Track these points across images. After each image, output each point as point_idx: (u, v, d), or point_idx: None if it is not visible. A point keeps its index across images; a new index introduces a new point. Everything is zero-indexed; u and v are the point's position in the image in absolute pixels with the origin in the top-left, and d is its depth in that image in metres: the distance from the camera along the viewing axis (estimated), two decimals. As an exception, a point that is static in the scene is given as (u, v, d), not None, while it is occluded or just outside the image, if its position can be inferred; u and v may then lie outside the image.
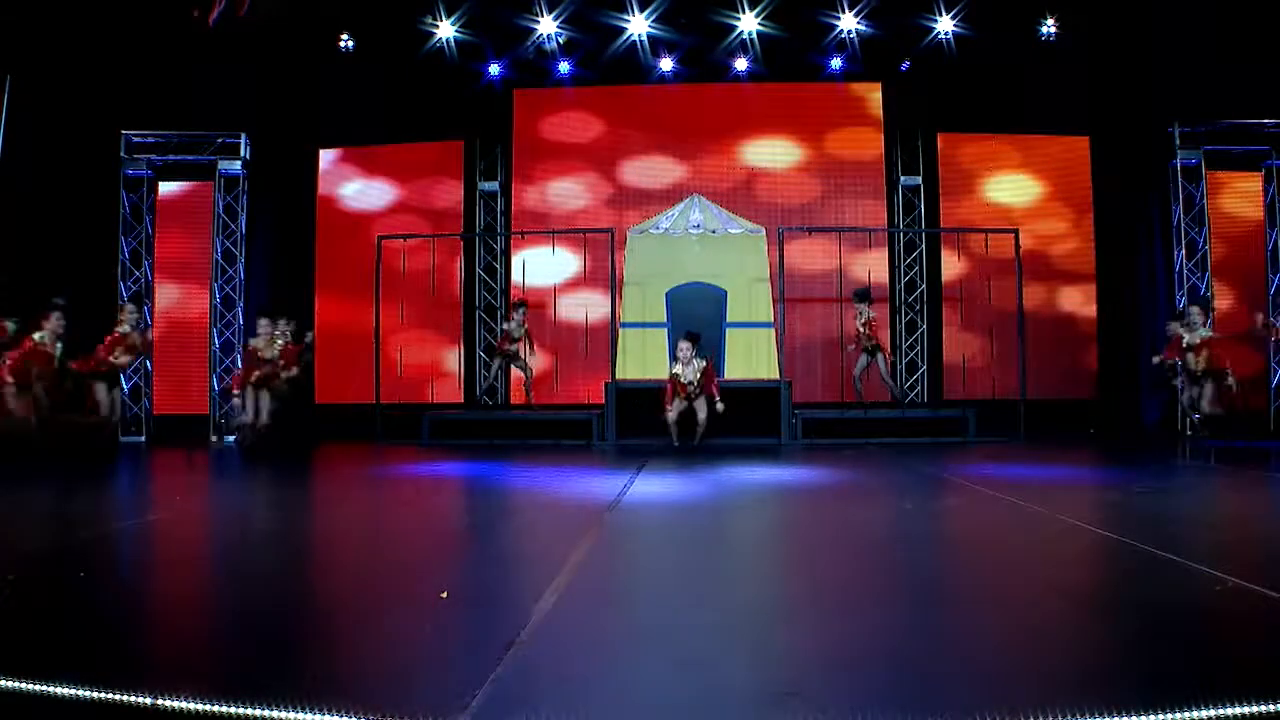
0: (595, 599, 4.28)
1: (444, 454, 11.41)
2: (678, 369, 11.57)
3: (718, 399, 11.44)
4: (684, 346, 11.52)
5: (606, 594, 4.43)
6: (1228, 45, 12.64)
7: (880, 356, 13.56)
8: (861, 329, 13.49)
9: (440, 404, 15.35)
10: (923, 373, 15.96)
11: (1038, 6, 14.34)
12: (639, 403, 12.58)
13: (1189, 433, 13.27)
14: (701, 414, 11.57)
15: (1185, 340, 12.43)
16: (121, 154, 14.51)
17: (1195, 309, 12.45)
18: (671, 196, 15.64)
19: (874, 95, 16.07)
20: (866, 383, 13.73)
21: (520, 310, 13.94)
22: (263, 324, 12.69)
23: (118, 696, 2.82)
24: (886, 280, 15.92)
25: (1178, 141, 14.12)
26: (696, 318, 13.32)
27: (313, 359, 14.29)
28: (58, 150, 13.30)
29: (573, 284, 15.60)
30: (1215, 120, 14.01)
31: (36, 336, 10.62)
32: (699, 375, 11.45)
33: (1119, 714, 2.61)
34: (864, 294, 13.70)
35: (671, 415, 11.60)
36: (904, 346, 15.99)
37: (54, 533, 6.15)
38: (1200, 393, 12.48)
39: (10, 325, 11.67)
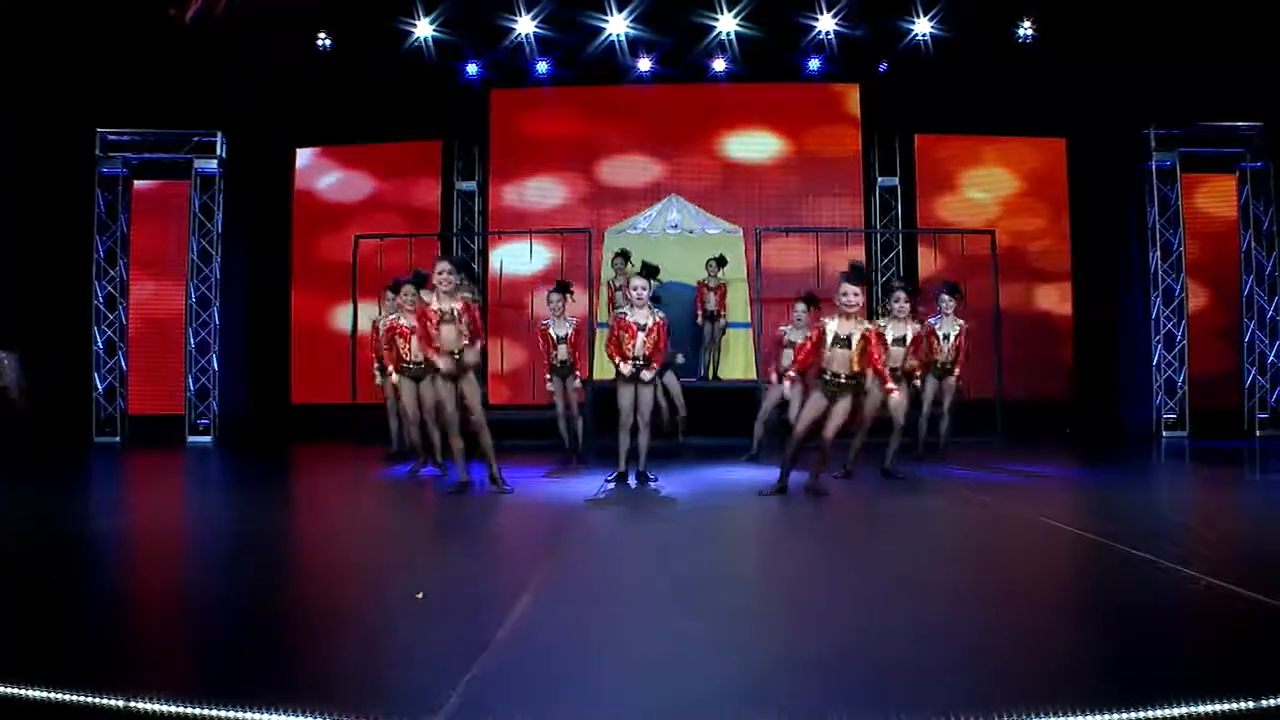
0: (569, 599, 4.28)
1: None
2: (626, 309, 8.61)
3: (677, 355, 9.64)
4: (639, 284, 8.47)
5: (581, 594, 4.43)
6: (1203, 48, 12.71)
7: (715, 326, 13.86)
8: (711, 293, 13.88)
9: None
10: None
11: (1015, 9, 14.39)
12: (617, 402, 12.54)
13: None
14: (645, 403, 8.49)
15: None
16: (96, 152, 14.36)
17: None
18: (650, 196, 15.62)
19: (852, 96, 16.07)
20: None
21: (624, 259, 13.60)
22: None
23: (93, 699, 2.80)
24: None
25: (1153, 144, 14.18)
26: (673, 318, 13.26)
27: None
28: (30, 148, 13.18)
29: (550, 283, 15.53)
30: (1190, 123, 14.09)
31: (380, 317, 9.23)
32: (651, 323, 8.39)
33: (1093, 711, 2.62)
34: (721, 260, 13.91)
35: (626, 416, 8.52)
36: (881, 347, 16.00)
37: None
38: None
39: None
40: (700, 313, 13.88)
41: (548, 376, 10.39)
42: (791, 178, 16.00)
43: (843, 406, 7.50)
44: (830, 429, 7.51)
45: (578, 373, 10.39)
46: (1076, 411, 15.07)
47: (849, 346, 7.40)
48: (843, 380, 7.45)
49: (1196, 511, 7.54)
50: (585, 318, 11.74)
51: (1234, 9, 12.48)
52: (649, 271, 8.65)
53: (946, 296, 10.70)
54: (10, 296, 13.00)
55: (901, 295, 9.12)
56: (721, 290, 13.77)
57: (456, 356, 7.72)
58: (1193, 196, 14.51)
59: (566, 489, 8.36)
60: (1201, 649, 3.46)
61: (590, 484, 8.48)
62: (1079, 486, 8.53)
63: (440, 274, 7.77)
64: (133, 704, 2.74)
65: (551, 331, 10.21)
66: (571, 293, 10.56)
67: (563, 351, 10.16)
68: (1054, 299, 15.70)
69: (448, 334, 7.76)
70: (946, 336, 10.52)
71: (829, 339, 7.47)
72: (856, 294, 7.43)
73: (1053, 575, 4.86)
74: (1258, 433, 14.05)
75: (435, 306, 7.78)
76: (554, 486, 8.59)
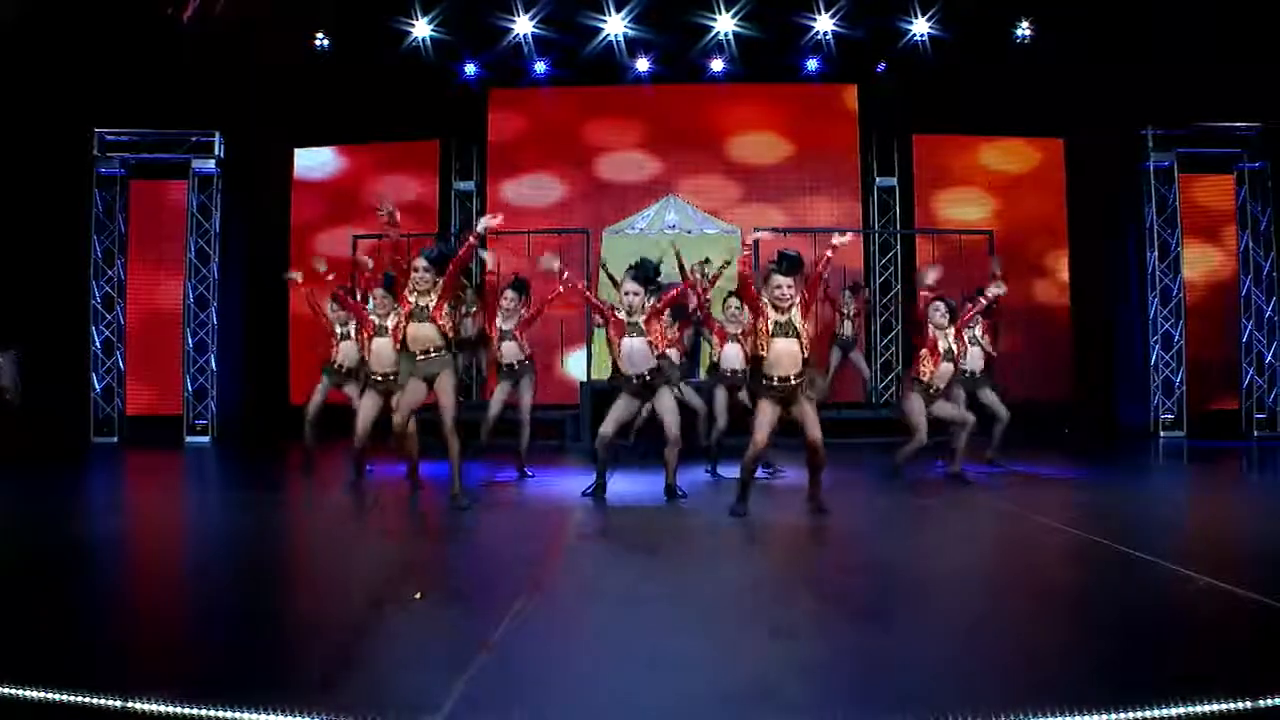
0: (567, 600, 4.28)
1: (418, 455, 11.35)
2: (622, 314, 7.55)
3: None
4: (631, 288, 7.52)
5: (578, 595, 4.43)
6: (1201, 49, 12.71)
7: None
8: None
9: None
10: (897, 373, 16.00)
11: (1013, 9, 14.39)
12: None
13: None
14: (670, 415, 7.60)
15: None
16: (94, 152, 14.35)
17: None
18: (648, 195, 15.63)
19: (850, 96, 16.10)
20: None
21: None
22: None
23: (91, 700, 2.80)
24: (861, 280, 15.96)
25: (1151, 144, 14.19)
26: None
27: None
28: (28, 147, 13.15)
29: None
30: (1188, 123, 14.09)
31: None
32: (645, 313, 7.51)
33: (1091, 711, 2.62)
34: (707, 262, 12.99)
35: (608, 429, 7.66)
36: (879, 347, 16.04)
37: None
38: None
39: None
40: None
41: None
42: (790, 177, 16.01)
43: (806, 410, 6.58)
44: (815, 433, 6.58)
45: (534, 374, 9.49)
46: (1074, 411, 15.07)
47: (793, 335, 6.46)
48: (792, 381, 6.48)
49: (1194, 511, 7.55)
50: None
51: (1232, 9, 12.47)
52: (646, 277, 7.60)
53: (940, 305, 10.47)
54: (7, 296, 12.98)
55: (940, 305, 8.48)
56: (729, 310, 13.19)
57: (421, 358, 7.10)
58: (1191, 198, 14.51)
59: (563, 488, 8.35)
60: (1199, 649, 3.46)
61: (585, 482, 8.45)
62: (1076, 486, 8.52)
63: (418, 270, 7.13)
64: (130, 704, 2.74)
65: (499, 326, 9.30)
66: (528, 294, 9.61)
67: (509, 350, 9.30)
68: (1052, 299, 15.71)
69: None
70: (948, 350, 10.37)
71: (770, 327, 6.46)
72: (790, 285, 6.50)
73: (1050, 575, 4.86)
74: (1255, 433, 14.05)
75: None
76: (549, 488, 8.57)
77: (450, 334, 7.21)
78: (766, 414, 6.54)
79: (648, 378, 7.45)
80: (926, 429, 8.36)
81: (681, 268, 9.26)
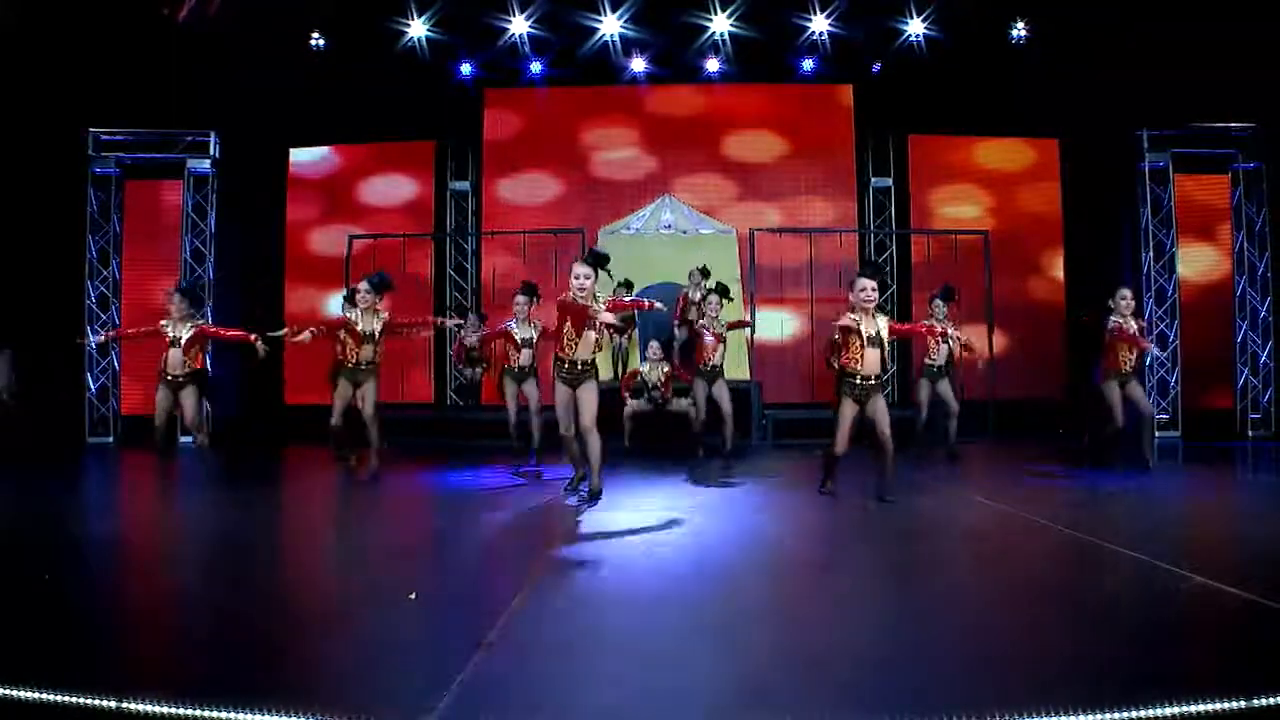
0: (564, 600, 4.27)
1: (412, 456, 11.35)
2: (569, 295, 7.39)
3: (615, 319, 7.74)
4: (581, 271, 7.35)
5: (575, 595, 4.42)
6: (1196, 49, 12.71)
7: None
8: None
9: (410, 403, 15.27)
10: (892, 373, 16.01)
11: (1008, 10, 14.41)
12: (609, 404, 12.44)
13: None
14: (587, 409, 7.50)
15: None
16: (89, 152, 14.32)
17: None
18: (643, 196, 15.65)
19: (845, 97, 16.12)
20: None
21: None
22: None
23: (86, 700, 2.80)
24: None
25: (1146, 144, 14.20)
26: (659, 322, 13.13)
27: None
28: (23, 147, 13.11)
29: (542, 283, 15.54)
30: (1183, 124, 14.10)
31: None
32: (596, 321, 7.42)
33: (1089, 711, 2.62)
34: (705, 271, 12.59)
35: (565, 428, 7.64)
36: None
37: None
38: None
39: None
40: (677, 320, 12.76)
41: (501, 378, 10.47)
42: (785, 177, 16.04)
43: (879, 406, 7.24)
44: (884, 430, 7.27)
45: (538, 376, 10.25)
46: (1070, 411, 15.08)
47: (879, 346, 7.21)
48: (873, 382, 7.21)
49: (1189, 511, 7.56)
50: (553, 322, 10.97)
51: (1227, 10, 12.48)
52: (597, 260, 7.47)
53: (940, 302, 10.76)
54: (2, 296, 12.95)
55: (1128, 292, 9.47)
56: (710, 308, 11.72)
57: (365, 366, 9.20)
58: (1185, 199, 14.52)
59: (557, 490, 8.33)
60: (1195, 649, 3.46)
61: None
62: (1072, 487, 8.52)
63: (361, 293, 9.09)
64: (125, 705, 2.73)
65: (516, 335, 10.10)
66: (538, 296, 10.39)
67: (525, 356, 10.13)
68: (1046, 299, 15.73)
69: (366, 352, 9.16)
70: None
71: (864, 339, 7.14)
72: (875, 288, 7.19)
73: (1047, 576, 4.86)
74: (1250, 433, 14.07)
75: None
76: (545, 487, 8.56)
77: (381, 358, 9.33)
78: (847, 413, 7.27)
79: (580, 367, 7.45)
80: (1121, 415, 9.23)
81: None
